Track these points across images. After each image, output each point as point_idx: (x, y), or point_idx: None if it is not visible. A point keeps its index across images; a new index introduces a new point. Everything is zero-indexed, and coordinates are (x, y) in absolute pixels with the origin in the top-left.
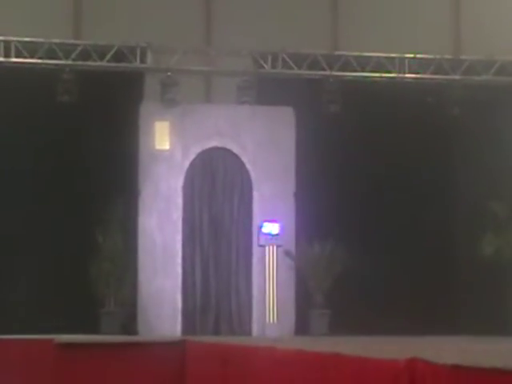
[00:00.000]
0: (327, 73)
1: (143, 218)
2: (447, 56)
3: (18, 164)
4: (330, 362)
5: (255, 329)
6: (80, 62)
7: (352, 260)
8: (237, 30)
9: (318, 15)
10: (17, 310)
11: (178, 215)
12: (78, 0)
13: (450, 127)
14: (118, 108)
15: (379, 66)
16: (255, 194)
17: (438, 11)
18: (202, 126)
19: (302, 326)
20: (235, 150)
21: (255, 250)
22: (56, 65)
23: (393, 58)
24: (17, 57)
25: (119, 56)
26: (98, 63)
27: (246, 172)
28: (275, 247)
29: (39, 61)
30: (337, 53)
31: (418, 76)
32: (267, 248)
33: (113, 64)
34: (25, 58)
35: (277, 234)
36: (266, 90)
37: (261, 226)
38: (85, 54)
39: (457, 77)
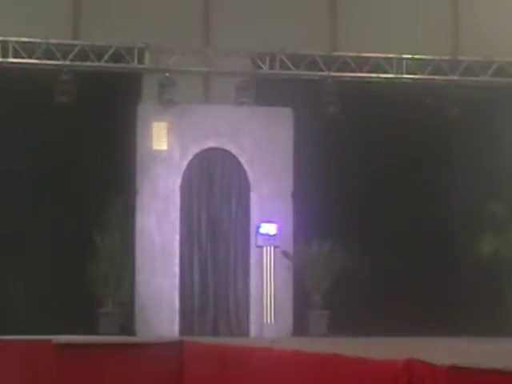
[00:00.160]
0: (325, 73)
1: (141, 218)
2: (445, 57)
3: (16, 164)
4: (328, 363)
5: (253, 329)
6: (78, 63)
7: (350, 260)
8: (235, 31)
9: (316, 16)
10: (15, 310)
11: (175, 215)
12: (76, 0)
13: (448, 128)
14: (116, 108)
15: (377, 66)
16: (253, 195)
17: (436, 12)
18: (200, 126)
19: (300, 327)
20: (233, 150)
21: (253, 250)
22: (54, 65)
23: (391, 58)
24: (14, 57)
25: (117, 56)
26: (96, 64)
27: (244, 172)
28: (273, 248)
29: (37, 61)
30: (335, 53)
31: (417, 77)
32: (265, 249)
33: (111, 64)
34: (23, 58)
35: (274, 235)
36: (264, 90)
37: (258, 227)
38: (83, 55)
39: (455, 77)
